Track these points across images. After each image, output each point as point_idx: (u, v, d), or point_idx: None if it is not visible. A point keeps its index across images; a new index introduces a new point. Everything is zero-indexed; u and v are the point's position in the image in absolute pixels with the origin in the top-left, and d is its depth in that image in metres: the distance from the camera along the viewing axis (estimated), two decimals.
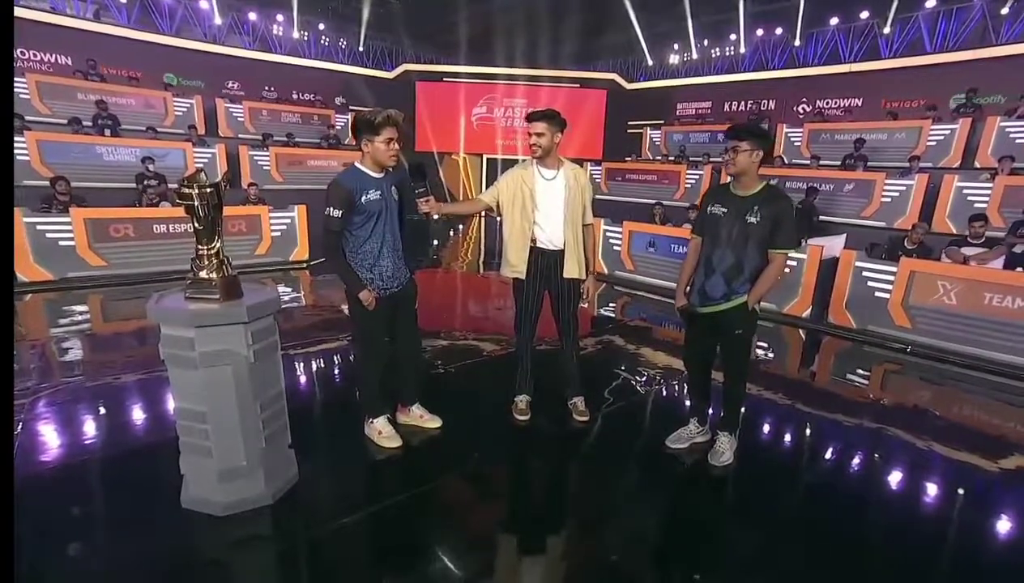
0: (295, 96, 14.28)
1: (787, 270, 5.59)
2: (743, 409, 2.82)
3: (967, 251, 5.23)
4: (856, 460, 2.98)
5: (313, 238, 7.58)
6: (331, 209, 2.36)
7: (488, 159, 15.77)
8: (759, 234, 2.39)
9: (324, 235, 2.44)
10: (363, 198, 2.39)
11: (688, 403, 2.98)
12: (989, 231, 5.53)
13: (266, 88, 13.50)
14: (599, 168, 12.51)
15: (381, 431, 2.76)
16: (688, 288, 2.70)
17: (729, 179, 2.53)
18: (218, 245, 2.06)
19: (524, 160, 2.91)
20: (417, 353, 2.96)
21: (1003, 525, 2.44)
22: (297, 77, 14.60)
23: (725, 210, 2.47)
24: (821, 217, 8.16)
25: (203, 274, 2.03)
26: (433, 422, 2.96)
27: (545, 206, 2.80)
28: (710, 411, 2.94)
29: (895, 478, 2.82)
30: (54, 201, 6.31)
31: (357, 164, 2.49)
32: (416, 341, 2.91)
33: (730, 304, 2.49)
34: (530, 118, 2.72)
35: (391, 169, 2.52)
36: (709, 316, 2.57)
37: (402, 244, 2.63)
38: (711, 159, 11.10)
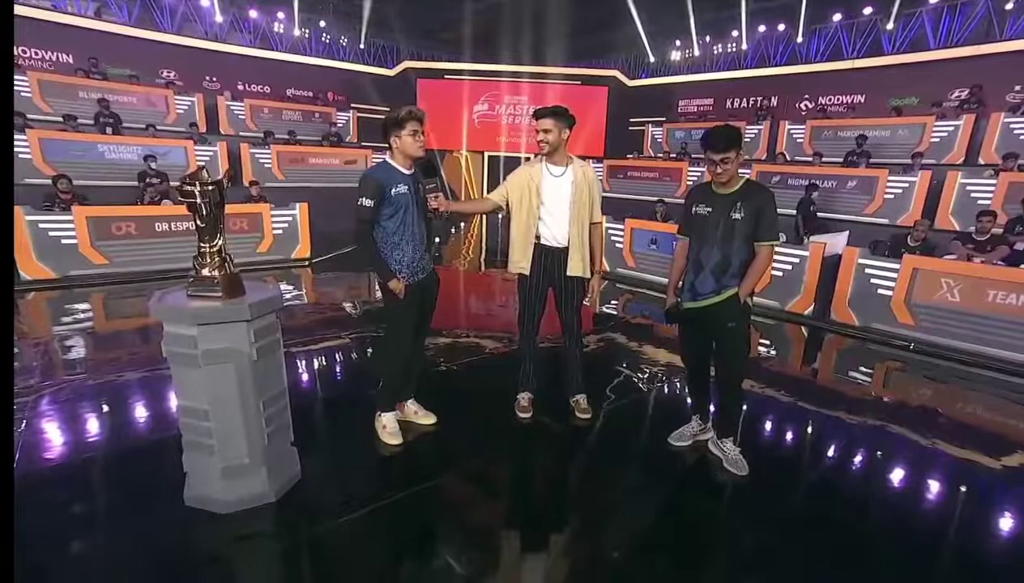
0: (241, 87, 13.77)
1: (789, 267, 5.59)
2: (744, 408, 2.81)
3: (978, 259, 5.15)
4: (859, 458, 2.97)
5: (315, 235, 7.60)
6: (363, 199, 2.46)
7: (490, 157, 15.74)
8: (744, 229, 2.42)
9: (356, 225, 2.52)
10: (392, 191, 2.49)
11: (689, 401, 2.97)
12: (995, 228, 5.52)
13: (207, 78, 13.08)
14: (601, 165, 12.47)
15: (386, 426, 2.78)
16: (680, 287, 2.71)
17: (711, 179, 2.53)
18: (220, 243, 2.06)
19: (531, 157, 2.91)
20: (422, 349, 2.97)
21: (1006, 523, 2.44)
22: (277, 72, 14.38)
23: (709, 209, 2.50)
24: (821, 213, 8.14)
25: (205, 272, 2.03)
26: (427, 419, 2.97)
27: (551, 203, 2.80)
28: (712, 408, 2.94)
29: (898, 476, 2.81)
30: (56, 199, 6.31)
31: (387, 159, 2.60)
32: (424, 337, 2.94)
33: (720, 297, 2.51)
34: (537, 115, 2.73)
35: (415, 164, 2.60)
36: (701, 312, 2.57)
37: (427, 237, 2.74)
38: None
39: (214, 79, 13.32)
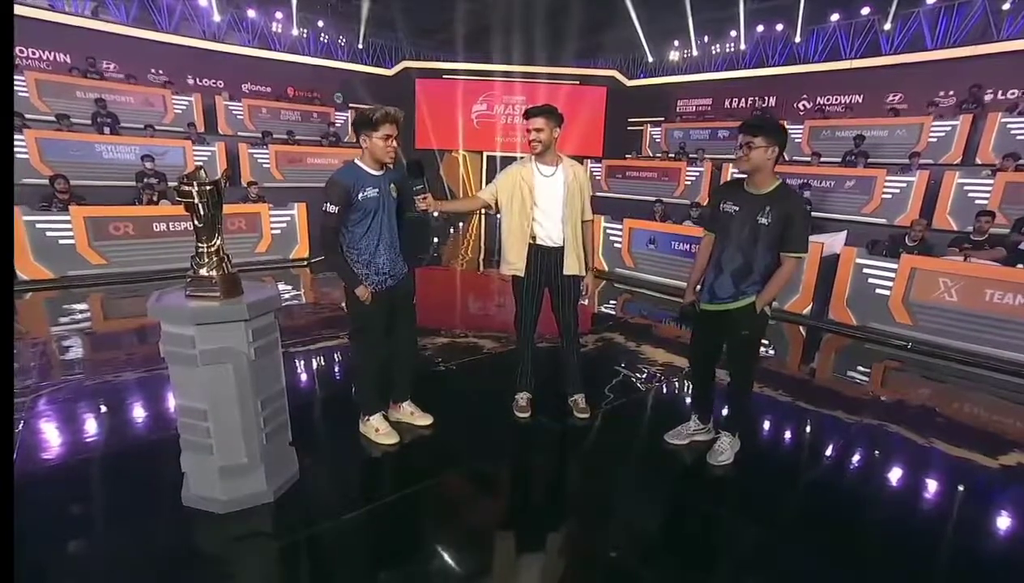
0: (192, 81, 12.92)
1: None
2: (750, 411, 2.81)
3: (975, 259, 5.15)
4: (856, 457, 2.98)
5: (313, 236, 7.59)
6: (328, 205, 2.37)
7: (488, 156, 15.74)
8: (770, 236, 2.31)
9: (321, 231, 2.44)
10: (360, 195, 2.40)
11: (689, 400, 2.97)
12: (993, 228, 5.52)
13: (152, 70, 12.40)
14: (599, 165, 12.48)
15: (378, 428, 2.76)
16: (699, 286, 2.66)
17: (744, 175, 2.43)
18: (218, 243, 2.06)
19: (522, 157, 2.91)
20: (412, 350, 2.95)
21: (1003, 522, 2.44)
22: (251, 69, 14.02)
23: (737, 208, 2.39)
24: (817, 213, 8.19)
25: (203, 272, 2.03)
26: (424, 420, 2.95)
27: (544, 203, 2.80)
28: (713, 409, 2.94)
29: (895, 475, 2.82)
30: (54, 199, 6.30)
31: (356, 161, 2.49)
32: (412, 338, 2.91)
33: (737, 304, 2.44)
34: (528, 114, 2.72)
35: (389, 166, 2.52)
36: (717, 314, 2.53)
37: (400, 241, 2.64)
38: (706, 156, 11.11)
39: (160, 72, 12.58)
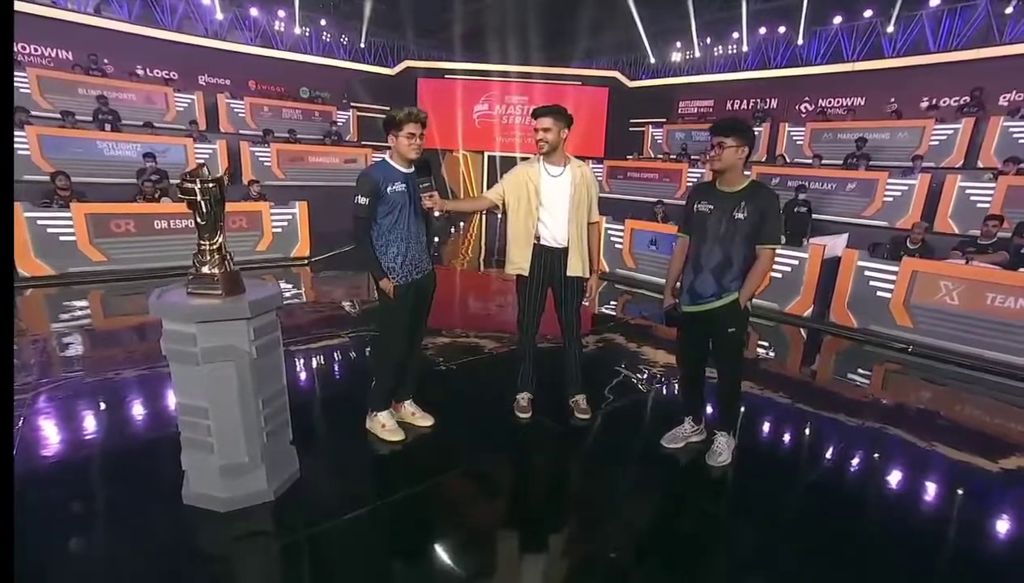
0: (141, 72, 12.15)
1: (788, 269, 5.59)
2: (741, 409, 2.82)
3: (977, 262, 5.13)
4: (856, 460, 2.98)
5: (315, 234, 7.59)
6: (358, 196, 2.48)
7: (489, 156, 15.74)
8: (746, 229, 2.40)
9: (353, 222, 2.53)
10: (389, 188, 2.50)
11: (683, 402, 2.97)
12: (1002, 232, 5.52)
13: (102, 61, 11.44)
14: (601, 166, 12.49)
15: (385, 424, 2.78)
16: (677, 288, 2.70)
17: (713, 177, 2.52)
18: (220, 240, 2.06)
19: (528, 157, 2.91)
20: (418, 349, 2.97)
21: (1003, 525, 2.44)
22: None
23: (711, 207, 2.48)
24: (818, 215, 8.20)
25: (205, 269, 2.03)
26: (425, 420, 2.96)
27: (550, 203, 2.80)
28: (708, 410, 2.94)
29: (895, 478, 2.81)
30: (55, 196, 6.29)
31: (386, 157, 2.61)
32: (421, 337, 2.93)
33: (722, 302, 2.49)
34: (536, 114, 2.72)
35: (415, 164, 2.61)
36: (701, 315, 2.56)
37: (426, 237, 2.76)
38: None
39: (106, 61, 11.52)
